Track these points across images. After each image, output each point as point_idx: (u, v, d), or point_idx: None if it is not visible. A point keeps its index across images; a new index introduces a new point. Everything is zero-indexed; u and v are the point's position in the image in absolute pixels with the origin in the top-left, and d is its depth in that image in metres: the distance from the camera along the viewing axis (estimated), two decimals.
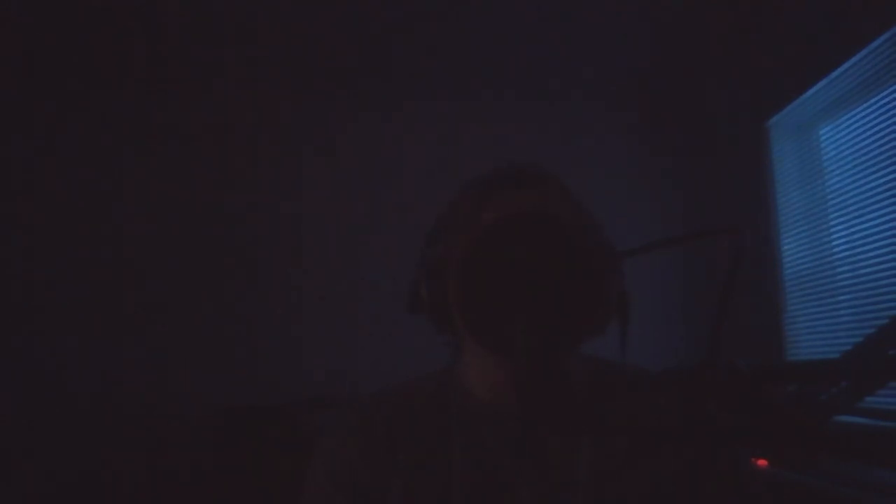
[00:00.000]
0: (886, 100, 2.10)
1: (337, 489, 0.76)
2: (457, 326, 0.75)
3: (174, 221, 2.91)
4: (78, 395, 2.67)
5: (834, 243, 2.36)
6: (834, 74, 2.29)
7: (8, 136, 2.83)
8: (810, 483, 1.81)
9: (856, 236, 2.24)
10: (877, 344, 0.46)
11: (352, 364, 2.81)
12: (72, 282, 2.78)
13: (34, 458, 2.59)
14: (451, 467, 0.74)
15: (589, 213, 0.80)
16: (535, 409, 0.77)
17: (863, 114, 2.23)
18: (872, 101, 2.18)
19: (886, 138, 2.10)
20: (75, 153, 2.88)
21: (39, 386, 2.66)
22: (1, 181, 2.81)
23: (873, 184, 2.16)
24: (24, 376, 2.66)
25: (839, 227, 2.33)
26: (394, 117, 3.14)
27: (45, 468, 2.58)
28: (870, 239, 2.17)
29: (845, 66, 2.23)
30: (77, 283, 2.78)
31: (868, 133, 2.19)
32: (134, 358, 2.75)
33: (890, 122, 2.08)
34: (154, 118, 2.97)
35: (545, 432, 0.76)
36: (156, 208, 2.91)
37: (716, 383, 0.42)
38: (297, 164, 3.05)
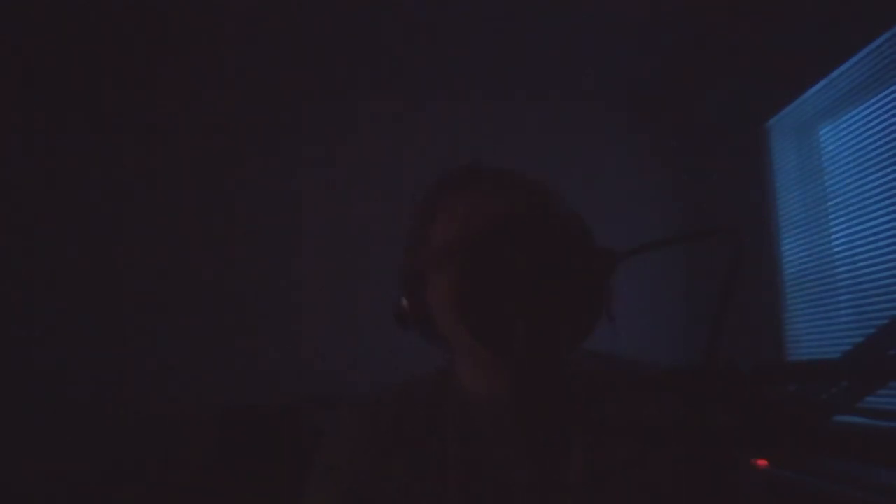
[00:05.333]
0: (886, 100, 2.10)
1: (338, 489, 0.77)
2: (445, 334, 0.75)
3: (174, 221, 2.91)
4: (78, 395, 2.67)
5: (834, 243, 2.36)
6: (834, 74, 2.29)
7: (8, 135, 2.83)
8: (810, 483, 1.81)
9: (856, 236, 2.24)
10: (877, 344, 0.46)
11: (352, 364, 2.81)
12: (72, 282, 2.78)
13: (34, 459, 2.58)
14: (448, 468, 0.74)
15: (576, 211, 0.79)
16: (535, 409, 0.77)
17: (863, 114, 2.23)
18: (872, 101, 2.18)
19: (886, 138, 2.10)
20: (75, 153, 2.88)
21: (39, 386, 2.66)
22: (1, 180, 2.80)
23: (873, 184, 2.16)
24: (23, 376, 2.65)
25: (839, 227, 2.33)
26: (394, 118, 3.14)
27: (46, 468, 2.58)
28: (870, 239, 2.17)
29: (845, 66, 2.23)
30: (77, 283, 2.78)
31: (868, 133, 2.19)
32: (134, 358, 2.75)
33: (890, 122, 2.08)
34: (154, 118, 2.97)
35: (545, 433, 0.76)
36: (156, 208, 2.91)
37: (716, 383, 0.42)
38: (297, 164, 3.05)
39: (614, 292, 0.72)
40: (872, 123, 2.17)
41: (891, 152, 2.08)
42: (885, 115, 2.10)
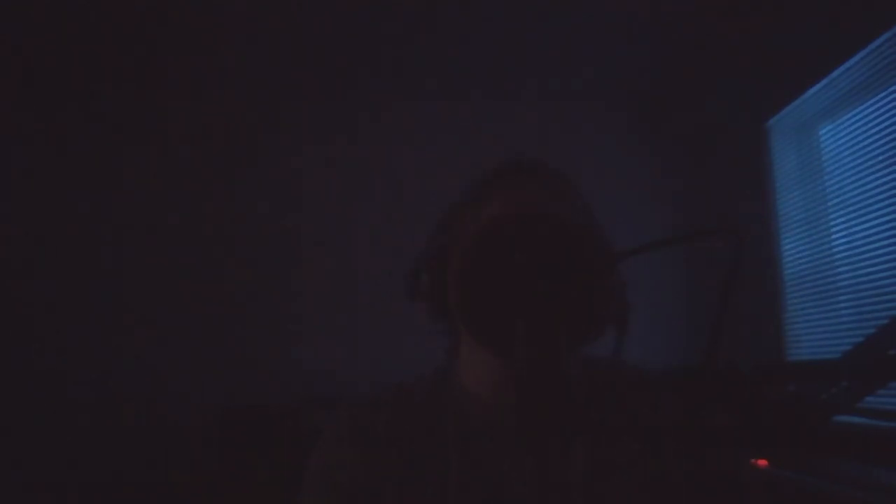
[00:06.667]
0: (886, 100, 2.10)
1: (336, 489, 0.76)
2: (455, 318, 0.75)
3: (174, 221, 2.91)
4: (78, 395, 2.67)
5: (834, 243, 2.36)
6: (834, 74, 2.29)
7: (8, 135, 2.82)
8: (810, 483, 1.81)
9: (856, 236, 2.24)
10: (877, 344, 0.46)
11: (351, 364, 2.81)
12: (72, 281, 2.78)
13: (34, 459, 2.58)
14: (448, 468, 0.74)
15: (591, 211, 0.80)
16: (535, 410, 0.77)
17: (863, 114, 2.23)
18: (872, 101, 2.18)
19: (886, 138, 2.10)
20: (76, 153, 2.88)
21: (39, 386, 2.66)
22: (1, 180, 2.80)
23: (873, 184, 2.16)
24: (23, 376, 2.65)
25: (839, 227, 2.33)
26: (393, 118, 3.14)
27: (45, 469, 2.58)
28: (870, 239, 2.17)
29: (845, 66, 2.23)
30: (77, 283, 2.78)
31: (868, 133, 2.19)
32: (134, 358, 2.75)
33: (890, 122, 2.08)
34: (154, 119, 2.97)
35: (545, 434, 0.76)
36: (155, 209, 2.91)
37: (716, 383, 0.42)
38: (296, 164, 3.05)
39: (616, 293, 0.72)
40: (872, 123, 2.17)
41: (891, 152, 2.08)
42: (885, 115, 2.10)
